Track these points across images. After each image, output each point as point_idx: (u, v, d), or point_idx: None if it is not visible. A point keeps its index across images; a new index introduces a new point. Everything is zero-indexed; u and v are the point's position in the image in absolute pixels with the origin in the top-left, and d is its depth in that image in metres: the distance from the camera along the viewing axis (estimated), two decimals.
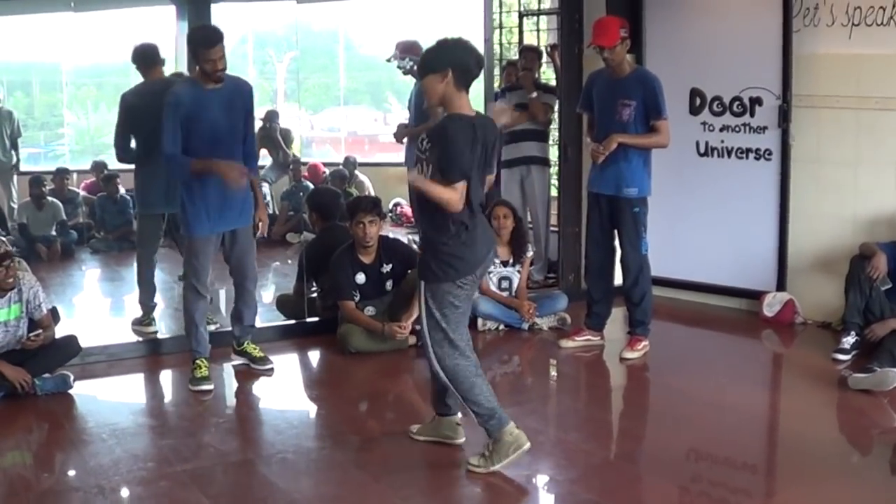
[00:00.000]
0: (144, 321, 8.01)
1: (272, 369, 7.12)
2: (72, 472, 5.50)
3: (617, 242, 7.39)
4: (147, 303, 8.00)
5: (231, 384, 7.07)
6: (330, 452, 5.58)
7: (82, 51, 7.58)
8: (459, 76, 4.97)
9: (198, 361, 6.88)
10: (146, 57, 7.53)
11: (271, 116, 12.97)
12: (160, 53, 7.27)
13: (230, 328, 7.30)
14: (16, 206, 12.13)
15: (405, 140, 9.47)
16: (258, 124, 12.31)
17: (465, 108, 5.05)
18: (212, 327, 7.71)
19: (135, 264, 8.09)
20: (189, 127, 6.56)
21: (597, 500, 4.86)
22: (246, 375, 7.09)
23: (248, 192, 6.85)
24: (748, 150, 8.39)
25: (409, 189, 10.04)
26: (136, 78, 7.75)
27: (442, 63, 4.96)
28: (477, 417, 5.16)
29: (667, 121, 7.10)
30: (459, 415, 5.58)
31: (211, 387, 6.80)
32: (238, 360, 7.22)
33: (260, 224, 7.04)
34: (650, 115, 7.07)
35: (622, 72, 7.14)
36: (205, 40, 6.52)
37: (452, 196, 4.93)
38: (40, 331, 6.73)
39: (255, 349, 7.20)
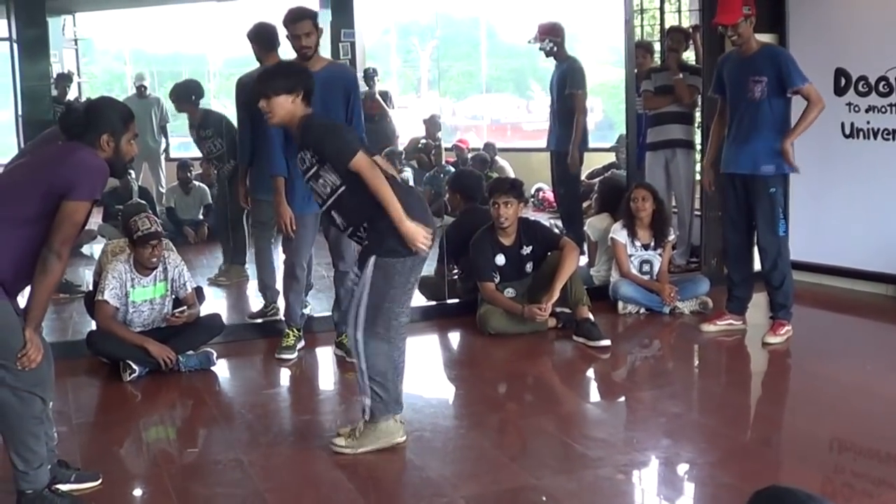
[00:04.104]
0: (268, 311, 7.99)
1: None
2: (212, 446, 5.66)
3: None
4: (272, 286, 7.93)
5: None
6: (466, 432, 5.60)
7: (228, 41, 7.68)
8: (307, 95, 5.12)
9: (287, 331, 7.22)
10: (264, 37, 7.50)
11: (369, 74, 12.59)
12: (278, 37, 7.30)
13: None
14: (164, 191, 12.43)
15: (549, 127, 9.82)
16: None
17: None
18: (305, 309, 7.83)
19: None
20: None
21: (736, 485, 4.77)
22: None
23: None
24: (895, 132, 8.18)
25: (551, 174, 10.13)
26: None
27: (293, 84, 5.09)
28: (373, 397, 5.15)
29: (811, 83, 6.92)
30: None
31: (292, 356, 7.13)
32: (339, 352, 7.12)
33: None
34: (791, 86, 6.87)
35: (750, 49, 6.97)
36: (291, 16, 6.83)
37: (364, 165, 4.94)
38: (185, 307, 6.91)
39: None
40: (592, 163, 12.77)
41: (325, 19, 8.04)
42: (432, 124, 13.23)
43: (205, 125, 9.54)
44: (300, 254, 7.04)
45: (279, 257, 7.73)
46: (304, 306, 7.79)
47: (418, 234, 4.95)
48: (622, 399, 6.56)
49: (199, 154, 12.10)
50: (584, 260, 8.75)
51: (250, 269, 9.08)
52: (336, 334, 7.23)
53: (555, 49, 9.56)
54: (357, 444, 5.21)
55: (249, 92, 7.20)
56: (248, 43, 7.61)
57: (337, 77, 6.86)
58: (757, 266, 7.45)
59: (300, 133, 5.11)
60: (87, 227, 4.77)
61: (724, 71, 7.23)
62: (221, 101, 13.41)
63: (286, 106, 5.07)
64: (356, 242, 5.33)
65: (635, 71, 9.23)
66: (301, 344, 7.25)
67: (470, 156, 13.43)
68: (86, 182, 4.22)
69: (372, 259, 5.05)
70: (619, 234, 8.18)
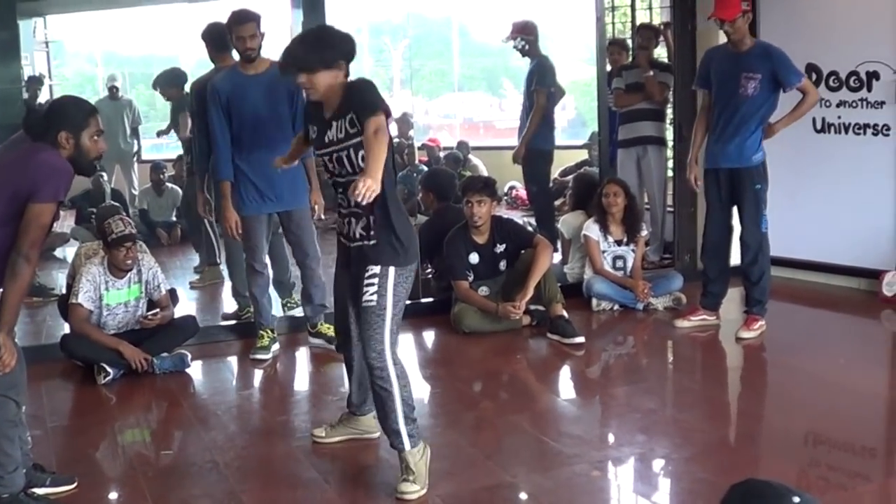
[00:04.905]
0: (242, 315, 7.95)
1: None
2: (187, 448, 5.63)
3: (736, 220, 7.29)
4: (244, 295, 7.74)
5: None
6: (442, 431, 5.58)
7: (200, 43, 7.64)
8: (348, 65, 4.79)
9: (261, 332, 7.19)
10: (217, 38, 7.45)
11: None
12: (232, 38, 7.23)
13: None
14: (136, 193, 12.41)
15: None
16: None
17: None
18: (296, 311, 7.92)
19: None
20: (231, 112, 6.79)
21: (712, 480, 4.78)
22: None
23: (297, 175, 6.75)
24: (866, 126, 8.22)
25: (523, 172, 10.16)
26: None
27: (335, 57, 4.71)
28: (408, 424, 4.72)
29: (805, 77, 7.08)
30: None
31: (267, 356, 7.11)
32: (315, 341, 7.28)
33: (316, 206, 7.08)
34: (789, 85, 6.94)
35: (744, 45, 6.98)
36: (236, 18, 6.83)
37: (382, 127, 4.45)
38: (157, 310, 6.89)
39: (328, 329, 7.17)
40: (565, 160, 12.81)
41: (296, 19, 8.01)
42: (404, 123, 13.23)
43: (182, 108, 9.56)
44: (256, 254, 7.05)
45: None
46: (290, 307, 7.84)
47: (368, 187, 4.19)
48: (597, 396, 6.57)
49: (171, 156, 12.09)
50: (557, 257, 8.75)
51: (225, 270, 9.07)
52: (310, 325, 7.31)
53: (527, 47, 9.57)
54: (421, 481, 4.73)
55: (203, 96, 7.18)
56: None
57: (281, 78, 6.35)
58: (734, 261, 7.48)
59: (342, 99, 4.74)
60: (60, 231, 4.74)
61: (711, 65, 7.21)
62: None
63: (327, 80, 4.70)
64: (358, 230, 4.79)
65: (608, 68, 9.25)
66: (276, 345, 7.24)
67: (443, 154, 13.44)
68: (49, 183, 4.19)
69: (392, 270, 4.69)
70: (592, 230, 8.18)
